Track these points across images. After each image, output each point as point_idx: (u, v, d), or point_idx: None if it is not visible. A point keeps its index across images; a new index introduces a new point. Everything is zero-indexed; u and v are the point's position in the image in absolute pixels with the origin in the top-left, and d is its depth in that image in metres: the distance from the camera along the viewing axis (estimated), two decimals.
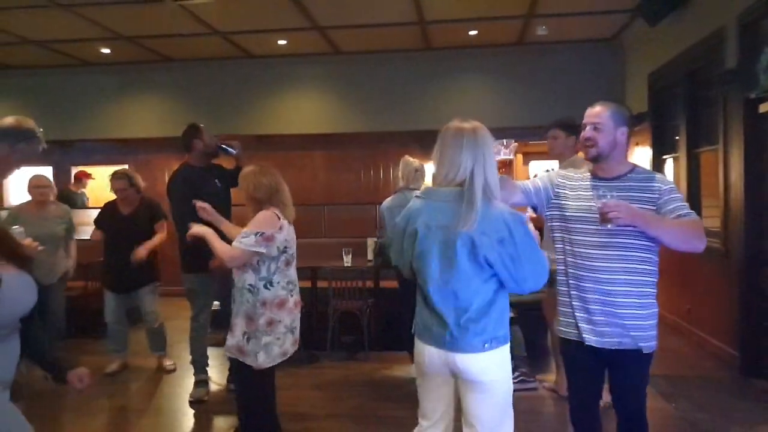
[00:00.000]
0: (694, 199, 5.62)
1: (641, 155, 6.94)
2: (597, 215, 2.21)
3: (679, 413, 3.81)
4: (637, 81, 6.96)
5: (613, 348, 2.32)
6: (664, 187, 2.32)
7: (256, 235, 2.78)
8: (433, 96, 7.83)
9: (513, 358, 4.29)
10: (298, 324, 3.01)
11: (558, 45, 7.52)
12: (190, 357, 4.27)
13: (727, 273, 4.76)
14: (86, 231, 5.27)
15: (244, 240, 2.78)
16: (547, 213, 2.49)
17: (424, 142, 7.36)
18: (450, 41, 7.53)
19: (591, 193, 2.34)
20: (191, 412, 4.02)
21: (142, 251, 4.49)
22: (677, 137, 5.94)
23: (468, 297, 2.02)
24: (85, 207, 7.90)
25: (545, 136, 3.94)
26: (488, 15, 6.51)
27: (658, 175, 2.41)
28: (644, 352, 2.32)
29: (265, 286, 2.84)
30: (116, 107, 8.37)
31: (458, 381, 2.12)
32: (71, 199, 7.73)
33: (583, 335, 2.36)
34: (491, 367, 2.06)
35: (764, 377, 4.31)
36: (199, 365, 4.23)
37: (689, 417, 3.74)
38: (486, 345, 2.03)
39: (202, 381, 4.23)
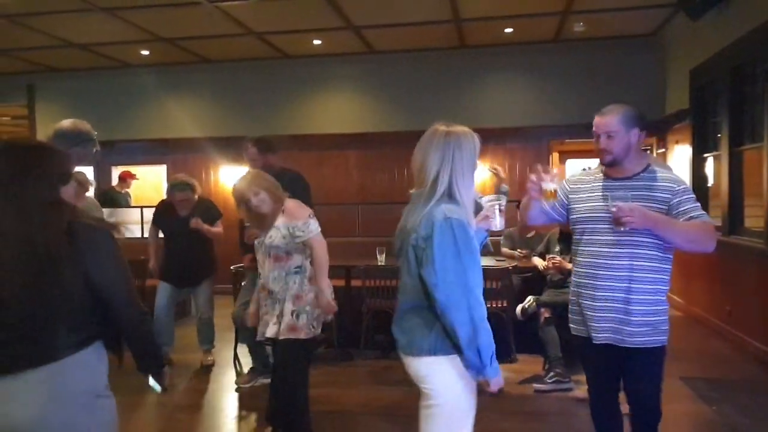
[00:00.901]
0: (736, 198, 5.46)
1: (681, 153, 6.78)
2: (609, 215, 2.26)
3: (720, 417, 3.73)
4: (678, 77, 6.79)
5: (620, 345, 2.36)
6: (678, 188, 2.32)
7: (311, 217, 3.03)
8: (468, 94, 7.79)
9: (548, 358, 4.30)
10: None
11: (596, 41, 7.40)
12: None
13: None
14: (130, 230, 5.42)
15: (312, 227, 3.00)
16: (570, 218, 2.55)
17: None
18: (485, 39, 7.48)
19: (604, 193, 2.37)
20: (230, 408, 4.12)
21: (201, 224, 4.71)
22: (719, 135, 5.79)
23: (403, 296, 2.03)
24: (129, 206, 8.13)
25: None
26: (524, 12, 6.46)
27: (671, 175, 2.43)
28: (654, 347, 2.35)
29: (311, 263, 3.06)
30: (155, 108, 8.59)
31: None
32: (115, 199, 7.96)
33: (591, 333, 2.41)
34: (428, 375, 1.95)
35: None
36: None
37: (730, 421, 3.65)
38: (416, 350, 1.96)
39: (252, 368, 4.42)
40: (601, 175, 2.48)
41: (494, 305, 4.92)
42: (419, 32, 7.17)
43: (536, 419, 3.74)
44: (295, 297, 3.02)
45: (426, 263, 1.88)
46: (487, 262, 5.36)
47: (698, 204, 2.32)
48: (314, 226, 3.02)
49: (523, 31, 7.15)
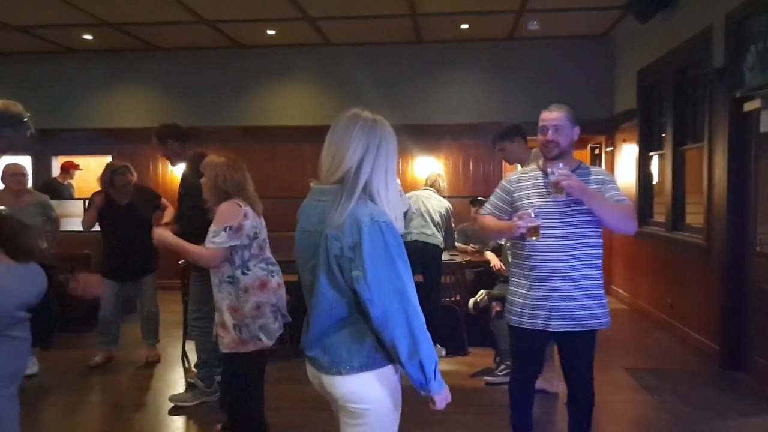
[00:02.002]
0: (678, 195, 5.68)
1: (628, 152, 7.00)
2: (556, 209, 2.50)
3: (662, 406, 3.87)
4: (626, 78, 7.00)
5: (572, 330, 2.54)
6: (606, 179, 2.64)
7: (225, 230, 2.80)
8: (424, 89, 7.81)
9: (499, 351, 4.36)
10: (284, 304, 3.03)
11: (549, 40, 7.54)
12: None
13: (709, 268, 4.83)
14: (72, 222, 5.19)
15: (217, 239, 2.79)
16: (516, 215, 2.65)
17: (415, 136, 7.35)
18: (442, 35, 7.51)
19: (546, 190, 2.58)
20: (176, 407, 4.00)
21: (165, 233, 4.36)
22: (664, 134, 6.00)
23: (324, 312, 1.72)
24: (72, 198, 7.79)
25: (496, 151, 3.99)
26: (480, 9, 6.51)
27: (600, 169, 2.75)
28: (599, 329, 2.60)
29: (243, 272, 2.86)
30: (100, 96, 8.24)
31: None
32: (57, 190, 7.61)
33: (550, 323, 2.55)
34: (361, 394, 1.73)
35: (743, 370, 4.39)
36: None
37: (671, 409, 3.80)
38: (345, 369, 1.71)
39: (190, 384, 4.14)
40: (540, 172, 2.65)
41: (447, 299, 4.97)
42: (376, 26, 7.13)
43: (489, 412, 3.78)
44: (232, 309, 2.85)
45: (357, 275, 1.63)
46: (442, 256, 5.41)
47: (621, 192, 2.63)
48: (221, 238, 2.77)
49: (479, 28, 7.22)
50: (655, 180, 6.38)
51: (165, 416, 3.85)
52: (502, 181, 2.79)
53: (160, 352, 4.88)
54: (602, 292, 2.63)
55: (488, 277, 4.84)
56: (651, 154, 6.42)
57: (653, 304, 6.14)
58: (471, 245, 5.41)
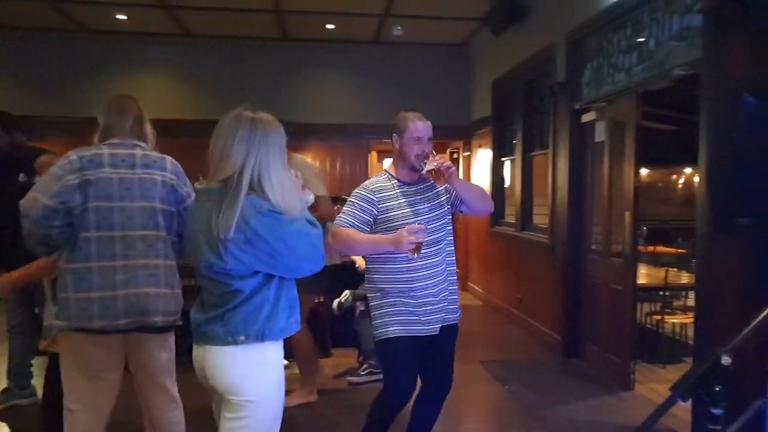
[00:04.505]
0: (527, 198, 6.13)
1: (483, 156, 7.43)
2: (425, 217, 2.52)
3: (511, 395, 4.14)
4: (482, 87, 7.43)
5: (442, 324, 2.59)
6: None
7: None
8: (290, 87, 7.69)
9: (363, 351, 4.38)
10: None
11: (412, 46, 7.78)
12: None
13: (552, 265, 5.27)
14: None
15: None
16: (376, 229, 2.56)
17: None
18: (308, 33, 7.45)
19: (407, 200, 2.56)
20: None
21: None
22: (515, 141, 6.45)
23: (224, 297, 1.74)
24: None
25: None
26: (345, 10, 6.54)
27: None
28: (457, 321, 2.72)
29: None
30: None
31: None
32: None
33: (432, 326, 2.56)
34: (242, 385, 1.74)
35: (581, 358, 4.85)
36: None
37: (520, 398, 4.07)
38: (239, 338, 1.72)
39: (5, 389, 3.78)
40: (397, 181, 2.61)
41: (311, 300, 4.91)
42: (239, 19, 6.88)
43: (354, 411, 3.77)
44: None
45: (274, 257, 1.68)
46: None
47: None
48: None
49: (344, 29, 7.26)
50: (507, 183, 6.84)
51: None
52: (361, 191, 2.60)
53: None
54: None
55: (349, 277, 4.85)
56: (503, 159, 6.87)
57: (505, 299, 6.57)
58: None
